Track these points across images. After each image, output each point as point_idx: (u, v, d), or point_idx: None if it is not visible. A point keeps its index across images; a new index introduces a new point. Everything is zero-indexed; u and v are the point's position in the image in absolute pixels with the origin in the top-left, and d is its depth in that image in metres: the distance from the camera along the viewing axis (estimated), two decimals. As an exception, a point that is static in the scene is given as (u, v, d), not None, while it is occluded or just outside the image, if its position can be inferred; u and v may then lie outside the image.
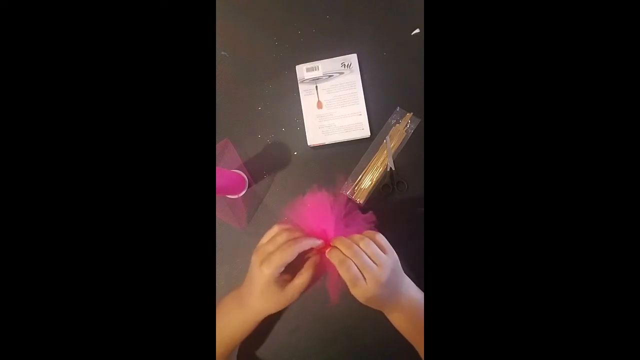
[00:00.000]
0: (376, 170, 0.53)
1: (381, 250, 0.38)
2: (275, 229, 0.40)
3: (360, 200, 0.53)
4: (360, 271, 0.36)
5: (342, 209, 0.43)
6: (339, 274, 0.37)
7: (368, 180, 0.53)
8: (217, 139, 0.56)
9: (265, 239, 0.40)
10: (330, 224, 0.41)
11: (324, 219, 0.41)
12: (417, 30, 0.55)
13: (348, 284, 0.37)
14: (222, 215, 0.55)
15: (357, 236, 0.38)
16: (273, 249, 0.37)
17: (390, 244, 0.40)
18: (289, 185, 0.55)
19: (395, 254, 0.40)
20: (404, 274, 0.41)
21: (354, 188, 0.53)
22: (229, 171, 0.53)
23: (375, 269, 0.36)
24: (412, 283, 0.42)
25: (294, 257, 0.37)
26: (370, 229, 0.41)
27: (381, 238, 0.39)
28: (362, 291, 0.36)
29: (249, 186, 0.55)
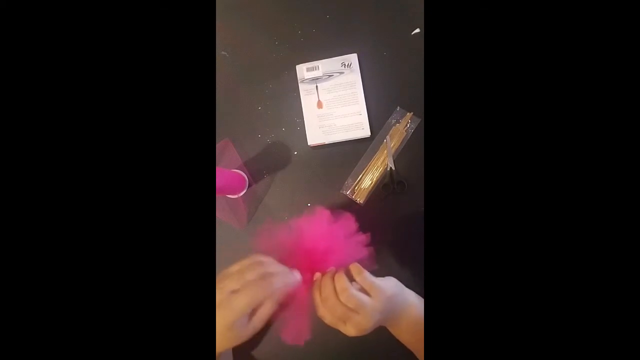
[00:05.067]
0: (376, 170, 0.53)
1: (367, 289, 0.37)
2: (246, 261, 0.35)
3: (360, 200, 0.53)
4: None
5: (344, 231, 0.41)
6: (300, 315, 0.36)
7: (368, 180, 0.53)
8: (217, 139, 0.56)
9: (234, 268, 0.35)
10: (330, 247, 0.39)
11: (325, 241, 0.39)
12: (417, 30, 0.55)
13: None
14: (222, 215, 0.55)
15: (340, 281, 0.36)
16: (237, 286, 0.31)
17: (390, 243, 0.40)
18: (289, 185, 0.55)
19: (389, 282, 0.39)
20: (404, 289, 0.40)
21: (354, 188, 0.53)
22: (229, 171, 0.53)
23: (356, 317, 0.35)
24: (414, 294, 0.41)
25: (260, 301, 0.31)
26: (367, 253, 0.40)
27: (367, 277, 0.37)
28: (349, 333, 0.36)
29: (249, 186, 0.55)
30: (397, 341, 0.42)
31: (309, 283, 0.38)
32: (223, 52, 0.58)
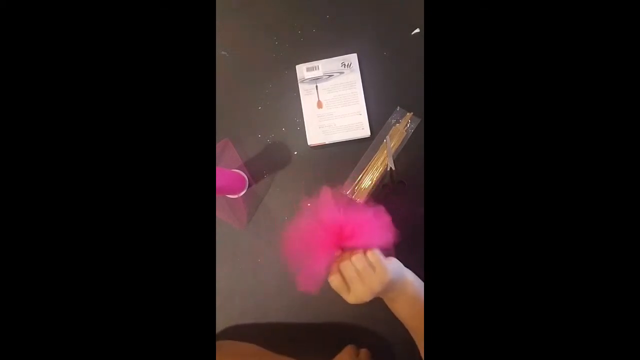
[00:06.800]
0: (376, 170, 0.53)
1: (374, 263, 0.40)
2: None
3: (360, 200, 0.53)
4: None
5: (379, 223, 0.43)
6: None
7: (368, 180, 0.53)
8: (217, 139, 0.56)
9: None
10: (359, 234, 0.42)
11: (360, 228, 0.42)
12: (417, 30, 0.55)
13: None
14: (222, 215, 0.55)
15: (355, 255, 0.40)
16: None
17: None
18: (289, 185, 0.55)
19: (392, 265, 0.41)
20: (403, 269, 0.43)
21: (354, 188, 0.53)
22: (229, 171, 0.53)
23: (359, 286, 0.39)
24: (411, 273, 0.43)
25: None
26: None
27: (375, 253, 0.41)
28: (349, 300, 0.40)
29: (249, 186, 0.55)
30: (394, 332, 0.43)
31: (334, 256, 0.43)
32: (223, 52, 0.58)
